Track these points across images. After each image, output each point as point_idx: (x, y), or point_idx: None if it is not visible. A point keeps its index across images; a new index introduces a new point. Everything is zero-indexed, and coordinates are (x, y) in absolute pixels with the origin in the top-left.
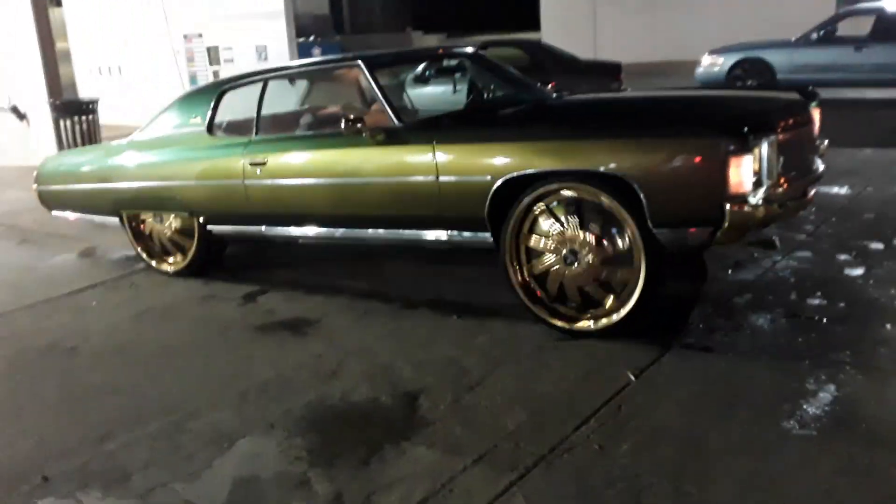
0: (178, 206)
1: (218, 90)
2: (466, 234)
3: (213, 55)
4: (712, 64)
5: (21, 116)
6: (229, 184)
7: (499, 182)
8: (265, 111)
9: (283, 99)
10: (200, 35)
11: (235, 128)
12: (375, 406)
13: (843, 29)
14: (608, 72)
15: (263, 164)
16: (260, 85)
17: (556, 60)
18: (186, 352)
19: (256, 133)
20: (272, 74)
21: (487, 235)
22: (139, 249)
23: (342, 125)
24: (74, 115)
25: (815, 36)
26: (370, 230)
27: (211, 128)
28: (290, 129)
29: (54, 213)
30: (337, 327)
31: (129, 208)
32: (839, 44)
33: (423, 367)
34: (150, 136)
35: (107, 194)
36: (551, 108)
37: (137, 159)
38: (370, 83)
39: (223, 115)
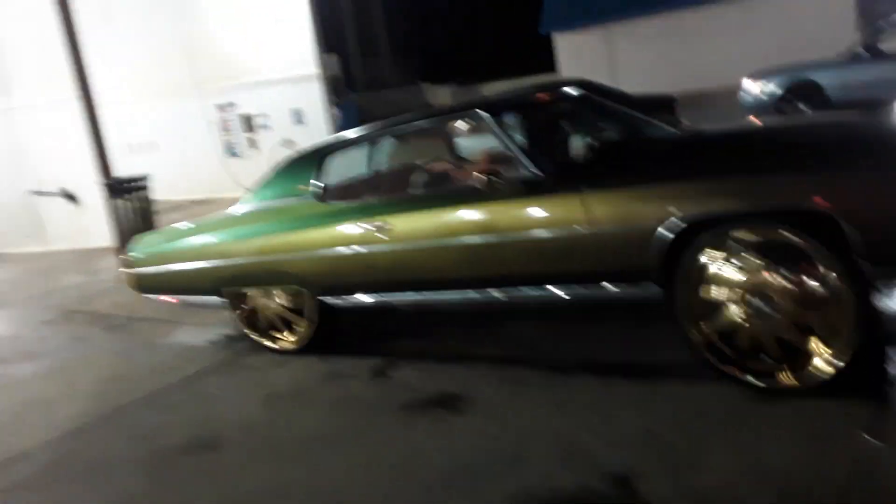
0: (288, 280)
1: (319, 155)
2: (625, 287)
3: (247, 122)
4: (760, 90)
5: (72, 199)
6: (348, 251)
7: (674, 228)
8: (363, 172)
9: (359, 161)
10: (232, 104)
11: (344, 192)
12: (589, 493)
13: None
14: (663, 106)
15: (387, 228)
16: (366, 146)
17: (608, 98)
18: (339, 441)
19: (371, 196)
20: (379, 133)
21: (654, 288)
22: (245, 328)
23: (482, 181)
24: (126, 194)
25: (862, 52)
26: (514, 289)
27: (318, 194)
28: (401, 190)
29: (146, 295)
30: (494, 401)
31: (233, 285)
32: (890, 59)
33: (617, 442)
34: (250, 209)
35: (208, 272)
36: (707, 142)
37: (239, 234)
38: (497, 132)
39: (328, 180)
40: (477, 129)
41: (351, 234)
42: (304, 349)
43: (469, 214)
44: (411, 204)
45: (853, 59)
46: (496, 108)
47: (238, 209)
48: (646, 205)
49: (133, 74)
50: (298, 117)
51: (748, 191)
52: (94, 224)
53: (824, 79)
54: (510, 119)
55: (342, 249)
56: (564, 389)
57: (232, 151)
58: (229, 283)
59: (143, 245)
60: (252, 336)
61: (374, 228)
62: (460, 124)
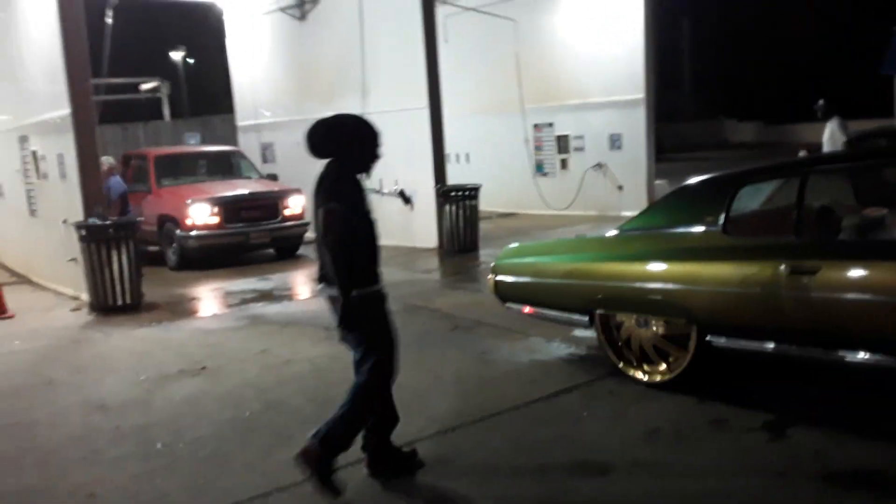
0: (673, 311)
1: (735, 183)
2: None
3: (562, 143)
4: None
5: (407, 201)
6: (756, 292)
7: None
8: (769, 207)
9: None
10: (551, 124)
11: (752, 227)
12: None
13: None
14: None
15: (814, 272)
16: (797, 179)
17: None
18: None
19: (786, 235)
20: (816, 168)
21: None
22: (610, 352)
23: None
24: (457, 201)
25: None
26: None
27: (727, 226)
28: (826, 232)
29: (508, 305)
30: None
31: (608, 308)
32: None
33: None
34: (638, 232)
35: (581, 291)
36: None
37: (624, 256)
38: None
39: (738, 211)
40: None
41: (763, 274)
42: (669, 384)
43: None
44: (845, 250)
45: None
46: None
47: (625, 231)
48: None
49: (461, 90)
50: (615, 141)
51: None
52: (421, 225)
53: None
54: None
55: (748, 289)
56: None
57: (542, 170)
58: (604, 305)
59: (516, 255)
60: (615, 361)
61: (793, 271)
62: None
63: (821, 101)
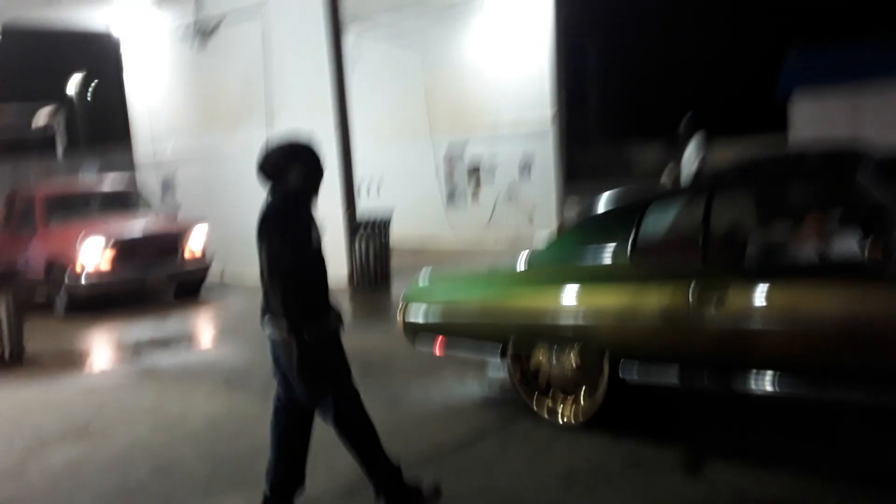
0: (584, 345)
1: (640, 207)
2: None
3: (472, 172)
4: None
5: None
6: (666, 322)
7: None
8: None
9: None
10: (461, 153)
11: (663, 251)
12: None
13: None
14: None
15: (721, 299)
16: (702, 199)
17: None
18: None
19: (705, 260)
20: (723, 184)
21: None
22: (523, 393)
23: (864, 250)
24: (368, 234)
25: None
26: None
27: (633, 252)
28: (732, 254)
29: (419, 347)
30: None
31: (519, 345)
32: None
33: None
34: (547, 261)
35: (491, 329)
36: None
37: (533, 286)
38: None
39: (644, 236)
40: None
41: (671, 303)
42: (586, 425)
43: (843, 292)
44: (760, 274)
45: None
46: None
47: (533, 259)
48: None
49: (366, 116)
50: (525, 169)
51: None
52: (331, 261)
53: None
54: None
55: (657, 319)
56: None
57: (453, 200)
58: (515, 343)
59: (422, 292)
60: (529, 402)
61: (702, 298)
62: None
63: (687, 116)
